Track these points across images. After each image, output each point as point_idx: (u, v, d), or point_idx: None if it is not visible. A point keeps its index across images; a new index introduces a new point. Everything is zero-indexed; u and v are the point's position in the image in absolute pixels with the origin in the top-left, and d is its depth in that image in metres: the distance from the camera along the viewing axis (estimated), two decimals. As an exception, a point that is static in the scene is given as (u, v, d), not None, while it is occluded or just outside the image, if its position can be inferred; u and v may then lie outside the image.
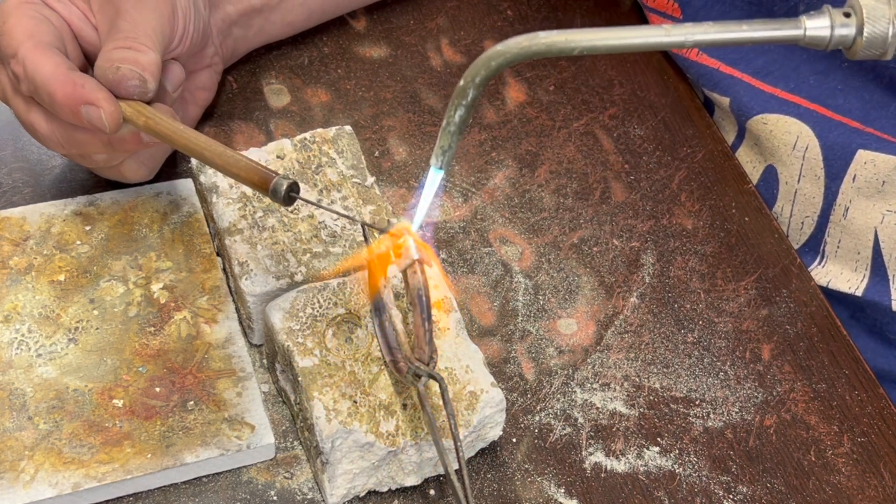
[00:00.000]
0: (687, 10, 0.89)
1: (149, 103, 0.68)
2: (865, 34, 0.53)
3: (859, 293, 0.86)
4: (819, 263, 0.87)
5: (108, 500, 0.65)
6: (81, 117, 0.66)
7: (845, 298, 0.86)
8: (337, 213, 0.70)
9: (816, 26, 0.53)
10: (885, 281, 0.85)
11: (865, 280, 0.85)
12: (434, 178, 0.58)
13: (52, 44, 0.68)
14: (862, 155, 0.83)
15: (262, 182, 0.63)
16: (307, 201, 0.67)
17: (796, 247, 0.86)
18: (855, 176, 0.83)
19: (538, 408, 0.71)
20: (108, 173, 0.75)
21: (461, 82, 0.54)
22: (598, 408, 0.72)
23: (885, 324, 0.86)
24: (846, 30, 0.53)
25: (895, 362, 0.87)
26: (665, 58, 0.92)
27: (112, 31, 0.68)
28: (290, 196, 0.63)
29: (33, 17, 0.69)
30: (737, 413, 0.72)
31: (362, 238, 0.71)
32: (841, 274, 0.86)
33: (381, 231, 0.66)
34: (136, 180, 0.75)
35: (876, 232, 0.84)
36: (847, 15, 0.53)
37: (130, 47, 0.67)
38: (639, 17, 0.95)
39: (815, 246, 0.87)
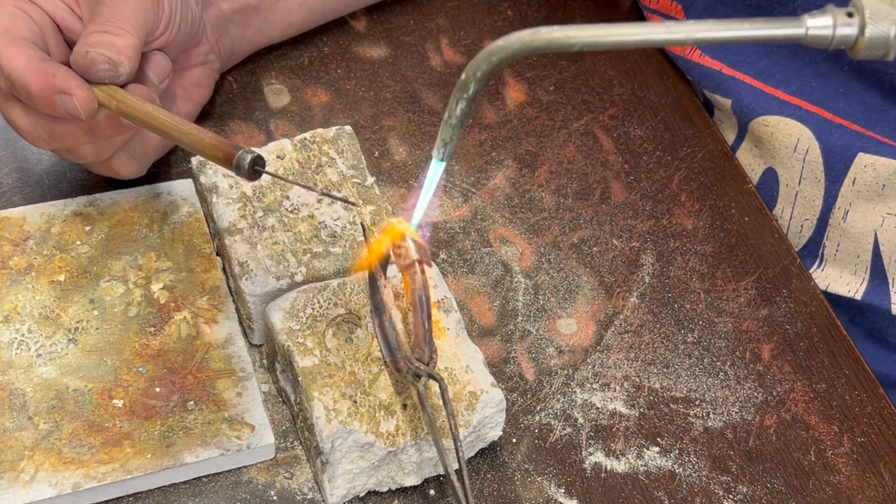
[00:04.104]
0: (690, 13, 0.89)
1: (124, 87, 0.67)
2: (867, 34, 0.52)
3: (858, 297, 0.85)
4: (818, 267, 0.87)
5: (108, 500, 0.65)
6: (57, 107, 0.65)
7: (844, 302, 0.86)
8: (304, 186, 0.69)
9: (818, 25, 0.53)
10: (885, 284, 0.85)
11: (865, 284, 0.85)
12: (436, 169, 0.58)
13: (27, 38, 0.67)
14: (862, 158, 0.82)
15: (226, 157, 0.62)
16: (273, 175, 0.66)
17: (795, 250, 0.86)
18: (855, 179, 0.83)
19: (538, 408, 0.71)
20: (100, 169, 0.74)
21: (463, 76, 0.54)
22: (598, 408, 0.72)
23: (885, 327, 0.86)
24: (848, 29, 0.53)
25: (894, 366, 0.87)
26: (665, 58, 0.92)
27: (92, 17, 0.68)
28: (254, 170, 0.62)
29: (11, 13, 0.68)
30: (737, 413, 0.72)
31: (363, 238, 0.71)
32: (840, 277, 0.86)
33: (366, 226, 0.67)
34: (129, 176, 0.74)
35: (875, 235, 0.84)
36: (850, 14, 0.53)
37: (108, 31, 0.67)
38: (638, 17, 0.95)
39: (814, 249, 0.87)
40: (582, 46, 0.53)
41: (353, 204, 0.72)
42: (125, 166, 0.73)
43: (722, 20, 0.53)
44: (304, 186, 0.68)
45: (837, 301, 0.85)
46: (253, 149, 0.62)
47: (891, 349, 0.87)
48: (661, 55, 0.93)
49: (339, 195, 0.72)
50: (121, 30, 0.67)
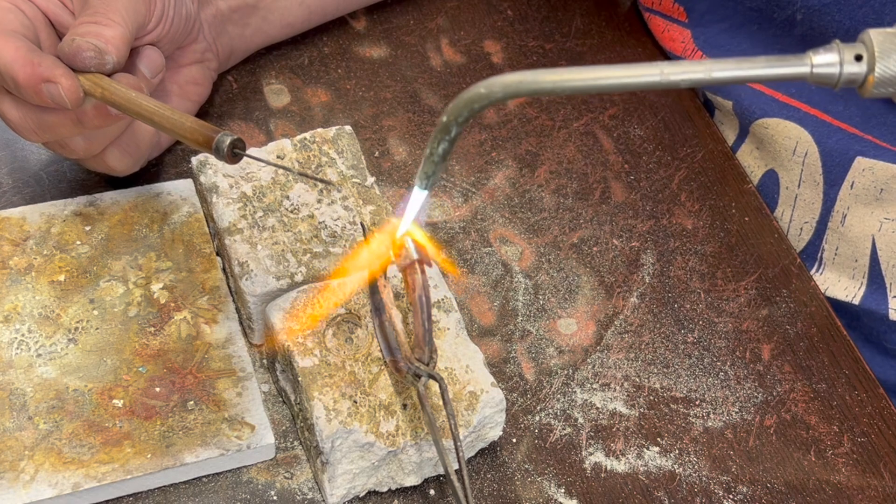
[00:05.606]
0: (692, 15, 0.89)
1: (112, 76, 0.68)
2: (878, 73, 0.48)
3: (856, 301, 0.85)
4: (817, 270, 0.87)
5: (108, 500, 0.65)
6: (44, 96, 0.66)
7: (842, 307, 0.86)
8: (281, 167, 0.69)
9: (823, 63, 0.49)
10: (883, 290, 0.85)
11: (862, 288, 0.85)
12: (418, 196, 0.57)
13: (16, 31, 0.68)
14: (860, 162, 0.82)
15: (205, 141, 0.62)
16: (253, 157, 0.65)
17: (794, 252, 0.86)
18: (853, 183, 0.83)
19: (538, 408, 0.71)
20: (94, 164, 0.74)
21: (444, 119, 0.51)
22: (598, 408, 0.72)
23: (882, 333, 0.86)
24: (856, 67, 0.48)
25: (891, 371, 0.87)
26: (665, 59, 0.92)
27: (83, 9, 0.69)
28: (234, 153, 0.61)
29: (3, 7, 0.69)
30: (737, 413, 0.72)
31: (363, 238, 0.71)
32: (838, 282, 0.86)
33: (366, 225, 0.66)
34: (123, 171, 0.74)
35: (873, 240, 0.84)
36: (858, 57, 0.48)
37: (97, 21, 0.67)
38: (638, 18, 0.95)
39: (812, 253, 0.87)
40: (570, 91, 0.50)
41: (332, 184, 0.71)
42: (118, 160, 0.73)
43: (720, 60, 0.50)
44: (282, 167, 0.68)
45: (835, 306, 0.85)
46: (232, 132, 0.62)
47: (888, 354, 0.87)
48: (661, 56, 0.93)
49: (316, 176, 0.71)
50: (110, 20, 0.67)
